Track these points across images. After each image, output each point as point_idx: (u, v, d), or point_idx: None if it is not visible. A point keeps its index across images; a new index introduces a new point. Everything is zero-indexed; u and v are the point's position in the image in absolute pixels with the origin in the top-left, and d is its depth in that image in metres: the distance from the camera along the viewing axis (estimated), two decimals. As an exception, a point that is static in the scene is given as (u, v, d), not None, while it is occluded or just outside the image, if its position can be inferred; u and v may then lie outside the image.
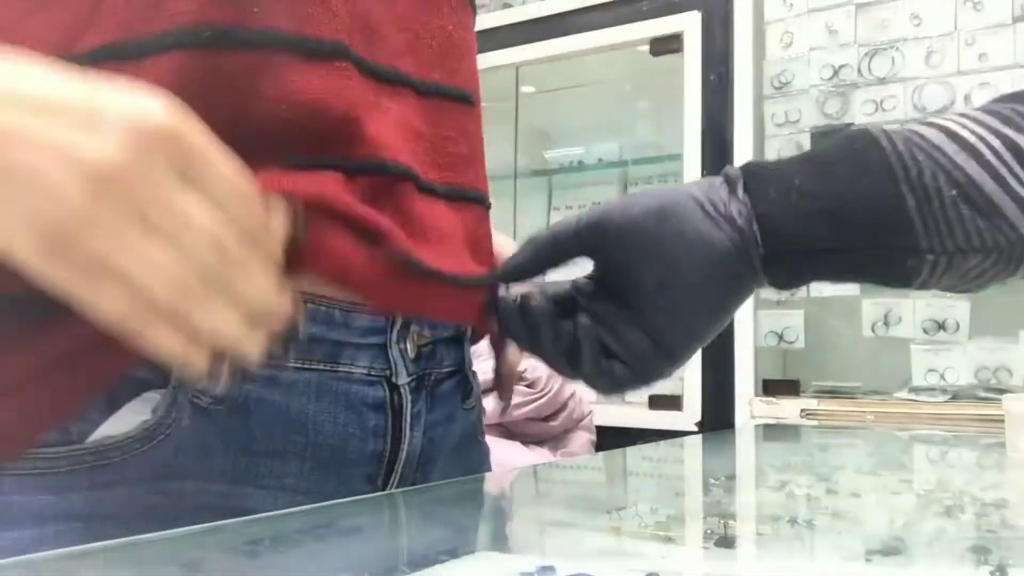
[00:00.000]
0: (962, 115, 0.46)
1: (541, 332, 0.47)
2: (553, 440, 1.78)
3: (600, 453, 1.68)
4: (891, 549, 0.41)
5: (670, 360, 0.47)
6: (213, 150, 0.34)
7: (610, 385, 0.48)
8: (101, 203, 0.32)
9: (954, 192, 0.43)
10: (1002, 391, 1.53)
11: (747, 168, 0.46)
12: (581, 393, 1.87)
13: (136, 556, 0.37)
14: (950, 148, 0.44)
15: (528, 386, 1.72)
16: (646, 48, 2.03)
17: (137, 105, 0.33)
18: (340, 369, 0.47)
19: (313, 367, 0.46)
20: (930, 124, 0.45)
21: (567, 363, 0.48)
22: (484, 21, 1.55)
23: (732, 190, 0.45)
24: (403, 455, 0.50)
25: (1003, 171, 0.43)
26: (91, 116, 0.32)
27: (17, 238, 0.32)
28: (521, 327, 0.48)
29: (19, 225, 0.32)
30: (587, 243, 0.47)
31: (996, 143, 0.44)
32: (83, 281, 0.33)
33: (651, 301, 0.45)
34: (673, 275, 0.45)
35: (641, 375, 0.47)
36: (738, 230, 0.44)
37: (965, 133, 0.44)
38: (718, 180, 0.46)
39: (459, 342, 0.56)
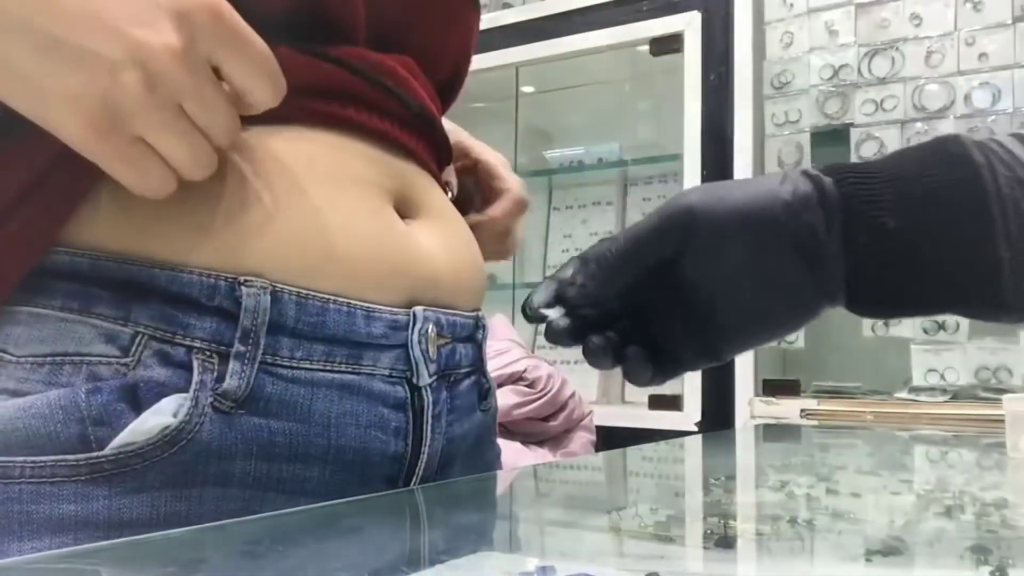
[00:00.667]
0: None
1: (588, 342, 0.46)
2: (553, 440, 1.78)
3: (600, 453, 1.68)
4: (891, 549, 0.41)
5: (714, 359, 0.47)
6: (243, 30, 0.38)
7: (651, 380, 0.47)
8: (152, 93, 0.36)
9: None
10: (1002, 391, 1.53)
11: (843, 189, 0.42)
12: (581, 393, 1.87)
13: (136, 556, 0.37)
14: None
15: (528, 386, 1.71)
16: (646, 48, 2.03)
17: None
18: (363, 371, 0.46)
19: (336, 369, 0.45)
20: None
21: (613, 361, 0.46)
22: (484, 21, 1.55)
23: (828, 220, 0.42)
24: (424, 457, 0.49)
25: None
26: (150, 6, 0.36)
27: (67, 111, 0.36)
28: (569, 340, 0.46)
29: (72, 99, 0.36)
30: (671, 234, 0.44)
31: None
32: (120, 157, 0.37)
33: (724, 305, 0.44)
34: (754, 296, 0.44)
35: (682, 369, 0.47)
36: (830, 276, 0.43)
37: None
38: (811, 195, 0.43)
39: (476, 342, 0.56)
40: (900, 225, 0.42)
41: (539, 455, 1.68)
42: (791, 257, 0.43)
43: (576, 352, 0.46)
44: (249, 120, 0.42)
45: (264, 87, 0.40)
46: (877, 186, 0.42)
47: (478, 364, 0.56)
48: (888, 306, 0.44)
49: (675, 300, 0.45)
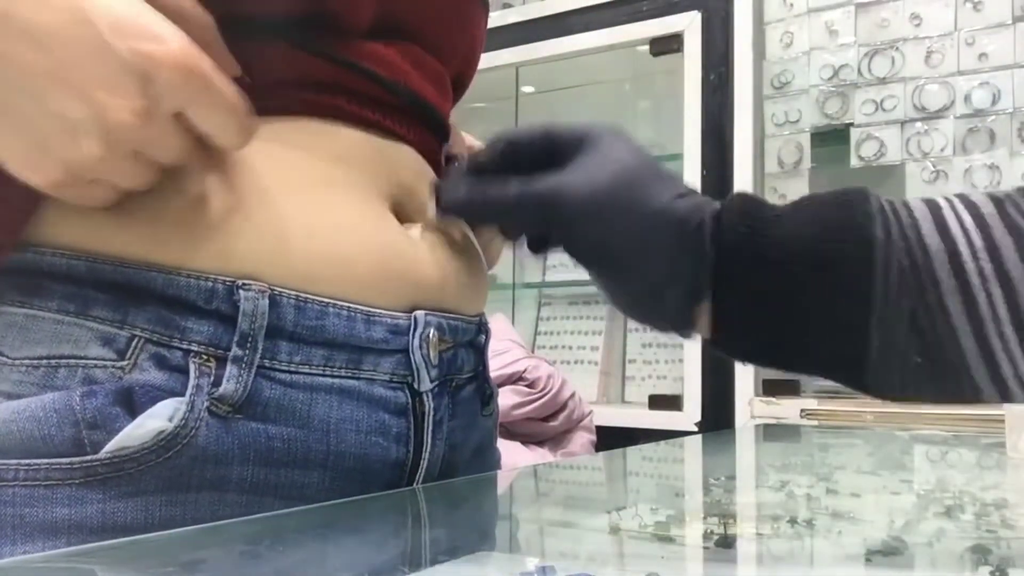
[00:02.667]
0: (985, 236, 0.38)
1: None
2: (553, 440, 1.78)
3: (600, 453, 1.68)
4: (891, 549, 0.41)
5: None
6: (212, 83, 0.37)
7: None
8: (111, 152, 0.36)
9: (919, 359, 0.39)
10: (1002, 391, 1.53)
11: (723, 241, 0.42)
12: (581, 393, 1.87)
13: (136, 556, 0.37)
14: (947, 285, 0.38)
15: (528, 386, 1.71)
16: (646, 48, 2.03)
17: (153, 46, 0.35)
18: (363, 375, 0.46)
19: (335, 373, 0.45)
20: (944, 234, 0.39)
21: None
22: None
23: (698, 271, 0.42)
24: (425, 463, 0.49)
25: (991, 333, 0.38)
26: (116, 69, 0.35)
27: (28, 165, 0.36)
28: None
29: (33, 155, 0.36)
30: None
31: (998, 300, 0.37)
32: (76, 192, 0.38)
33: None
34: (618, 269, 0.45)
35: None
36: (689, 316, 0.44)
37: (975, 279, 0.38)
38: (705, 243, 0.42)
39: (478, 347, 0.56)
40: (774, 292, 0.41)
41: (539, 455, 1.68)
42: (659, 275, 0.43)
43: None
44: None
45: (231, 134, 0.39)
46: (762, 247, 0.41)
47: (480, 369, 0.56)
48: (752, 360, 0.45)
49: None
